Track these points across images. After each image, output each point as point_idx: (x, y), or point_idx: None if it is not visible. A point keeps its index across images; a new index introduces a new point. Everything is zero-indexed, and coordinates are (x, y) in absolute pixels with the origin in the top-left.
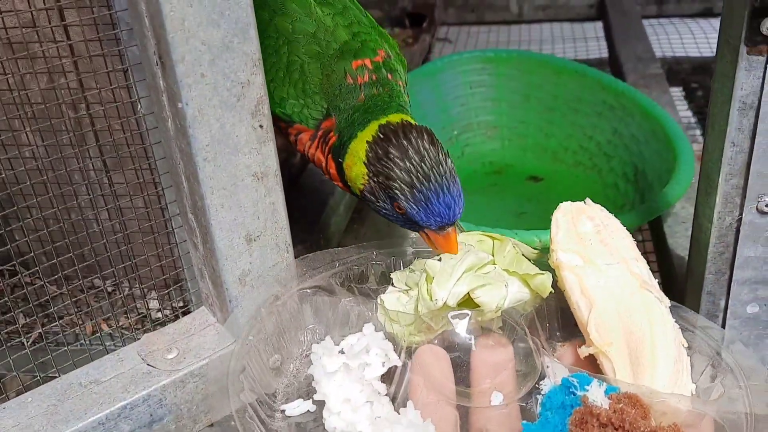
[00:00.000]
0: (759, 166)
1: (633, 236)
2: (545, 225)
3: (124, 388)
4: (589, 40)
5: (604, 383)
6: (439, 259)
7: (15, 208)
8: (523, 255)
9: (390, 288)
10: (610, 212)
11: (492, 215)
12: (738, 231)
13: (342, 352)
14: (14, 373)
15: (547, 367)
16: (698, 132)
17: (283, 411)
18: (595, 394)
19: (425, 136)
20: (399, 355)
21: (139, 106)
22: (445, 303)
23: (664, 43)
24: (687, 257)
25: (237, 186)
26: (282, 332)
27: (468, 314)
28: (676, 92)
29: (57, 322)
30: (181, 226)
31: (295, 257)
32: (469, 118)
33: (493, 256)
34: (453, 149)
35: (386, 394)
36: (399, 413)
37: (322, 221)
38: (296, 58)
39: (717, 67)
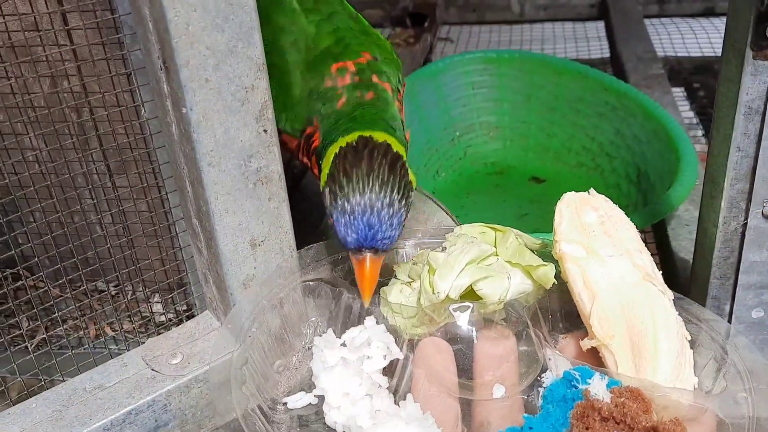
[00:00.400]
0: (765, 171)
1: None
2: (548, 227)
3: (129, 394)
4: (590, 40)
5: (606, 377)
6: (443, 251)
7: (19, 213)
8: (525, 246)
9: (393, 280)
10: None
11: (494, 216)
12: (743, 236)
13: (344, 345)
14: (18, 377)
15: (549, 359)
16: (700, 132)
17: (285, 404)
18: (597, 388)
19: (393, 167)
20: (401, 348)
21: (143, 111)
22: (447, 295)
23: (665, 43)
24: (690, 260)
25: (241, 191)
26: (284, 325)
27: (470, 306)
28: (678, 92)
29: (61, 326)
30: (185, 230)
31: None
32: (471, 119)
33: (495, 247)
34: (455, 150)
35: (387, 387)
36: (400, 406)
37: (324, 224)
38: (275, 71)
39: (722, 72)
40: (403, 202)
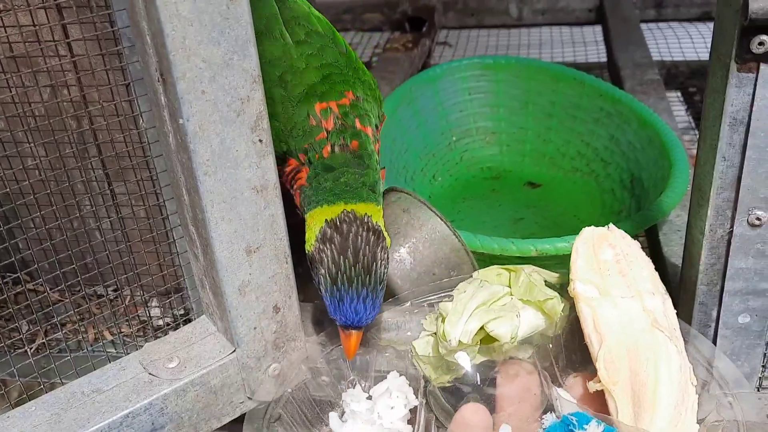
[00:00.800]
0: (749, 181)
1: None
2: (542, 231)
3: (126, 397)
4: (588, 44)
5: (603, 423)
6: (452, 300)
7: (20, 220)
8: (545, 280)
9: (422, 332)
10: (611, 222)
11: (490, 221)
12: (729, 243)
13: (369, 397)
14: (18, 380)
15: (555, 399)
16: (696, 136)
17: None
18: None
19: (371, 241)
20: (417, 396)
21: (141, 120)
22: (459, 341)
23: (662, 47)
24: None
25: (237, 199)
26: (323, 387)
27: (466, 351)
28: (674, 96)
29: (60, 330)
30: (183, 237)
31: (293, 267)
32: (467, 124)
33: (510, 287)
34: (452, 155)
35: None
36: None
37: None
38: None
39: (709, 83)
40: (383, 284)
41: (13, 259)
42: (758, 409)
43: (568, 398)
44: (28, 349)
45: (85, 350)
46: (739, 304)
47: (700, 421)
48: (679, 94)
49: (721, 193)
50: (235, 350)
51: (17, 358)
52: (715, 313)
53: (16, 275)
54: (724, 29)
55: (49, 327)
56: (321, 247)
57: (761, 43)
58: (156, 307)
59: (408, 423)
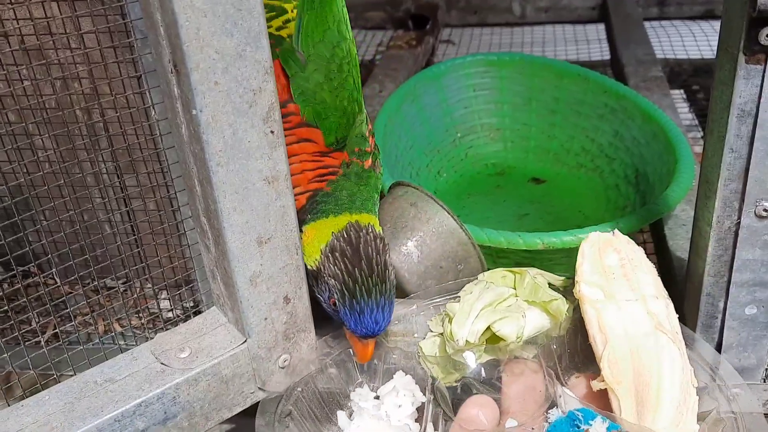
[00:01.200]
0: (757, 172)
1: (634, 238)
2: (547, 227)
3: (139, 386)
4: (591, 42)
5: (608, 420)
6: (459, 301)
7: (31, 212)
8: (549, 283)
9: (429, 333)
10: (616, 217)
11: (494, 217)
12: (737, 234)
13: (377, 397)
14: (31, 371)
15: (560, 396)
16: (699, 134)
17: None
18: (598, 430)
19: (381, 248)
20: (424, 393)
21: (153, 112)
22: (467, 341)
23: (665, 45)
24: (686, 259)
25: (249, 190)
26: (331, 389)
27: (472, 351)
28: (677, 94)
29: (71, 322)
30: (193, 229)
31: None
32: (472, 121)
33: (515, 288)
34: (456, 151)
35: None
36: None
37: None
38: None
39: (716, 75)
40: (392, 276)
41: (25, 250)
42: (756, 400)
43: (572, 396)
44: (41, 341)
45: (96, 342)
46: (746, 296)
47: (699, 421)
48: (682, 92)
49: (728, 185)
50: (246, 341)
51: (29, 350)
52: (722, 305)
53: (27, 266)
54: (732, 21)
55: (60, 319)
56: (332, 260)
57: None
58: (166, 299)
59: (416, 421)
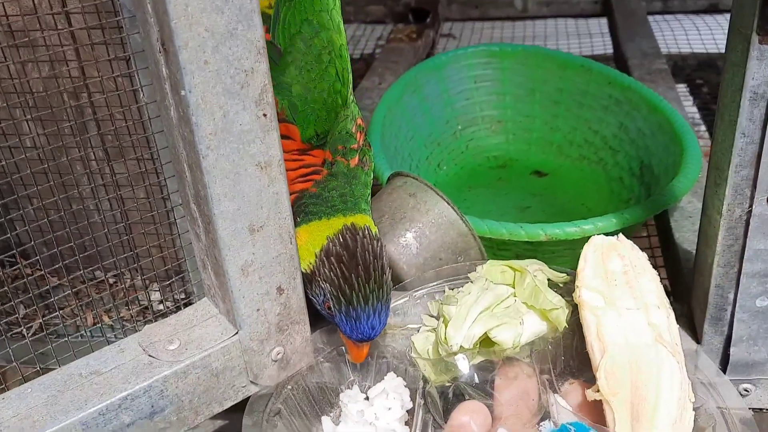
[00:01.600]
0: None
1: (639, 231)
2: (549, 219)
3: (125, 379)
4: (593, 36)
5: None
6: (456, 303)
7: (15, 196)
8: (549, 281)
9: (422, 327)
10: (616, 209)
11: (496, 210)
12: (748, 223)
13: (367, 398)
14: (14, 364)
15: (552, 405)
16: (703, 128)
17: None
18: None
19: (378, 252)
20: (415, 397)
21: (142, 95)
22: (461, 346)
23: (669, 40)
24: (693, 252)
25: (240, 175)
26: (323, 387)
27: (465, 355)
28: (681, 88)
29: (57, 313)
30: (183, 217)
31: None
32: (473, 113)
33: (514, 287)
34: (457, 144)
35: None
36: None
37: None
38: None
39: (727, 57)
40: (389, 280)
41: (8, 236)
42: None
43: (565, 406)
44: (25, 332)
45: (83, 334)
46: (757, 287)
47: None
48: (686, 86)
49: (739, 171)
50: (237, 332)
51: (13, 341)
52: (731, 296)
53: (11, 254)
54: (745, 0)
55: (46, 310)
56: (327, 265)
57: None
58: (156, 290)
59: (405, 424)
